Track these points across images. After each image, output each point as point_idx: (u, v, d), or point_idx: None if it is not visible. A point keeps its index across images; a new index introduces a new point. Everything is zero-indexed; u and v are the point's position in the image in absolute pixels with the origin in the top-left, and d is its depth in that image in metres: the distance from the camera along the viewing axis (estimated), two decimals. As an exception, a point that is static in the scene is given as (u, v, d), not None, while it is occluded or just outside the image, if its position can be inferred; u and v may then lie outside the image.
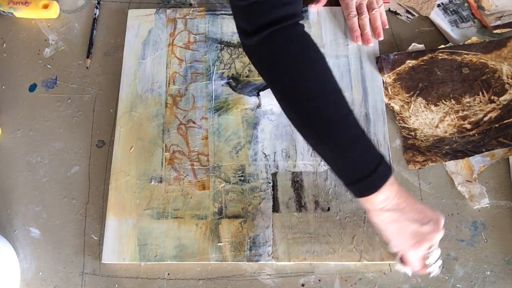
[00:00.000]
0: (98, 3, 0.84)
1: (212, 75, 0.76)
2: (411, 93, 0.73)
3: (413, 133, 0.71)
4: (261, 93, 0.74)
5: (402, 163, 0.70)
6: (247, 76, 0.76)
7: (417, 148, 0.70)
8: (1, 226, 0.70)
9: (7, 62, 0.81)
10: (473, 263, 0.64)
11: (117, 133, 0.73)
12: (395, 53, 0.75)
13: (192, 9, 0.82)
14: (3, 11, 0.83)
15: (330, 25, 0.79)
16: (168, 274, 0.66)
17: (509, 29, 0.77)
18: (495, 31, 0.77)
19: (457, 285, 0.63)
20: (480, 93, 0.72)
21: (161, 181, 0.70)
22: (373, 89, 0.74)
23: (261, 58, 0.56)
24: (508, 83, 0.72)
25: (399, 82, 0.74)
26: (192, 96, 0.75)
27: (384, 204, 0.55)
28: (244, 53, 0.75)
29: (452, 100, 0.72)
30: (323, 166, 0.69)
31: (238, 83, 0.75)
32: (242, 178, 0.69)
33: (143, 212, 0.68)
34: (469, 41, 0.76)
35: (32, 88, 0.79)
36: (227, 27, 0.79)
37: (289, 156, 0.70)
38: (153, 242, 0.66)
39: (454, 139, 0.70)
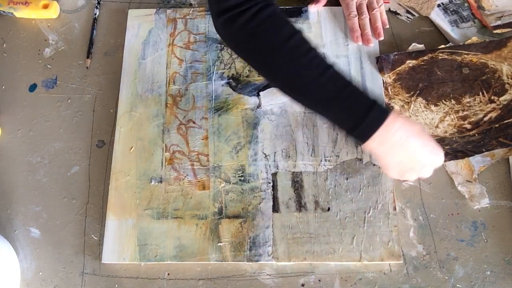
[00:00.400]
0: (98, 3, 0.84)
1: (212, 75, 0.76)
2: (411, 93, 0.73)
3: (413, 133, 0.71)
4: (261, 93, 0.74)
5: (402, 163, 0.70)
6: (247, 76, 0.76)
7: (417, 148, 0.70)
8: (1, 226, 0.70)
9: (7, 62, 0.81)
10: (473, 263, 0.64)
11: (117, 133, 0.73)
12: (395, 53, 0.75)
13: (192, 9, 0.82)
14: (3, 11, 0.83)
15: (330, 25, 0.79)
16: (168, 274, 0.66)
17: (509, 29, 0.77)
18: (495, 31, 0.77)
19: (457, 285, 0.63)
20: (480, 93, 0.72)
21: (161, 181, 0.70)
22: (373, 89, 0.74)
23: (227, 37, 0.59)
24: (508, 83, 0.72)
25: (399, 82, 0.74)
26: (192, 96, 0.75)
27: (379, 148, 0.58)
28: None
29: (452, 100, 0.72)
30: (323, 166, 0.69)
31: (238, 83, 0.75)
32: (242, 178, 0.69)
33: (143, 212, 0.68)
34: (469, 41, 0.76)
35: (32, 88, 0.79)
36: (227, 27, 0.79)
37: (289, 156, 0.70)
38: (153, 242, 0.66)
39: (454, 139, 0.70)
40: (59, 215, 0.70)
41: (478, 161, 0.69)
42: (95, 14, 0.83)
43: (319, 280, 0.64)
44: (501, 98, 0.71)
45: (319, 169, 0.69)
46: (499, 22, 0.77)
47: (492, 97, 0.71)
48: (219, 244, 0.66)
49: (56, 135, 0.75)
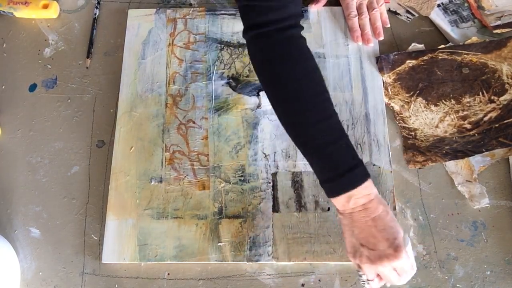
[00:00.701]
0: (98, 3, 0.84)
1: (212, 75, 0.76)
2: (411, 93, 0.73)
3: (413, 133, 0.71)
4: (261, 93, 0.74)
5: (402, 163, 0.70)
6: (247, 76, 0.76)
7: (417, 148, 0.70)
8: (1, 226, 0.70)
9: (7, 62, 0.81)
10: (473, 263, 0.64)
11: (117, 133, 0.73)
12: (395, 53, 0.75)
13: (192, 9, 0.81)
14: (3, 11, 0.83)
15: (330, 25, 0.79)
16: (168, 274, 0.66)
17: (509, 29, 0.77)
18: (495, 31, 0.77)
19: (457, 285, 0.63)
20: (480, 93, 0.72)
21: (161, 181, 0.70)
22: (373, 89, 0.74)
23: (250, 54, 0.60)
24: (508, 83, 0.72)
25: (399, 82, 0.74)
26: (192, 96, 0.75)
27: (340, 209, 0.57)
28: (245, 54, 0.76)
29: (452, 100, 0.72)
30: (323, 166, 0.69)
31: (238, 83, 0.75)
32: (242, 178, 0.69)
33: (143, 212, 0.68)
34: (469, 41, 0.76)
35: (32, 88, 0.79)
36: (227, 27, 0.79)
37: (289, 156, 0.70)
38: (153, 242, 0.66)
39: (454, 139, 0.70)
40: (59, 215, 0.70)
41: (478, 161, 0.69)
42: (95, 14, 0.83)
43: (319, 280, 0.64)
44: (501, 98, 0.71)
45: (319, 169, 0.69)
46: (499, 22, 0.77)
47: (492, 97, 0.71)
48: (219, 244, 0.66)
49: (56, 135, 0.75)
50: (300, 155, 0.70)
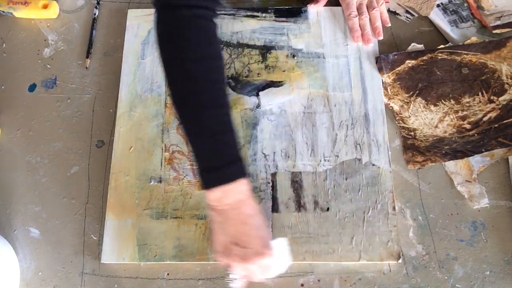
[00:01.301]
0: (98, 3, 0.84)
1: (212, 75, 0.76)
2: (411, 93, 0.73)
3: (412, 133, 0.71)
4: (260, 93, 0.74)
5: (401, 163, 0.70)
6: (246, 76, 0.76)
7: (416, 148, 0.70)
8: (0, 226, 0.70)
9: (7, 62, 0.81)
10: (472, 263, 0.64)
11: (116, 133, 0.73)
12: (395, 53, 0.75)
13: (191, 9, 0.81)
14: (3, 11, 0.83)
15: (330, 25, 0.79)
16: (168, 274, 0.66)
17: (508, 29, 0.77)
18: (494, 31, 0.77)
19: (457, 285, 0.63)
20: (480, 93, 0.72)
21: (160, 181, 0.70)
22: (373, 89, 0.74)
23: (155, 25, 0.57)
24: (507, 83, 0.72)
25: (398, 82, 0.74)
26: (191, 96, 0.75)
27: (214, 204, 0.57)
28: (244, 54, 0.76)
29: (451, 100, 0.72)
30: (323, 166, 0.69)
31: (237, 83, 0.75)
32: (242, 178, 0.69)
33: (142, 212, 0.68)
34: (468, 41, 0.76)
35: (32, 88, 0.79)
36: (227, 27, 0.79)
37: (289, 156, 0.70)
38: (153, 242, 0.66)
39: (453, 139, 0.70)
40: (58, 215, 0.70)
41: (477, 161, 0.69)
42: (95, 14, 0.83)
43: (319, 280, 0.64)
44: (501, 98, 0.71)
45: (319, 169, 0.69)
46: (498, 22, 0.77)
47: (492, 97, 0.71)
48: (218, 244, 0.66)
49: (56, 135, 0.75)
50: (299, 155, 0.70)
